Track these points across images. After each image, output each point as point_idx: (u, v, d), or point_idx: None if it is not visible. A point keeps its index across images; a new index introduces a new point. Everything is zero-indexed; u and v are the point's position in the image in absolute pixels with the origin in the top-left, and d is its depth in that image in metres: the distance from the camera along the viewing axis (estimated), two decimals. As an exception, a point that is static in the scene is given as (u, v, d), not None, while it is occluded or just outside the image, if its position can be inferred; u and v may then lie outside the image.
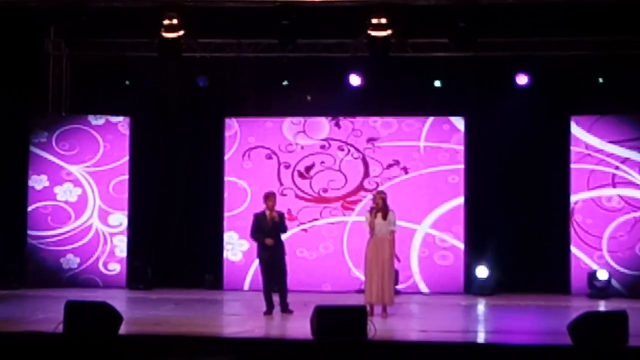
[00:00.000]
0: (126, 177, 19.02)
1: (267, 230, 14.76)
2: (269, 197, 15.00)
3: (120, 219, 19.00)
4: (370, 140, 18.72)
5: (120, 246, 18.95)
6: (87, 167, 19.01)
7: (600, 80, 18.01)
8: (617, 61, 17.75)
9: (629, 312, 10.87)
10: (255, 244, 15.13)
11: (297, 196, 18.71)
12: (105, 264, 18.91)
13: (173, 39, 16.71)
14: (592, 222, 18.03)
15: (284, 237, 15.09)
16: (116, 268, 18.89)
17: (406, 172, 18.58)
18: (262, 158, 18.88)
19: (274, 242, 14.72)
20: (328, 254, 18.60)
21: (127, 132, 19.10)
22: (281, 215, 15.04)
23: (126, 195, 19.01)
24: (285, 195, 18.43)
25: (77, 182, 19.02)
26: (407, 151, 18.63)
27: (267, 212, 14.87)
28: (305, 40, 17.93)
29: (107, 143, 19.06)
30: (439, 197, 18.45)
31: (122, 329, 11.08)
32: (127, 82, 18.96)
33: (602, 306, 16.26)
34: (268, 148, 18.92)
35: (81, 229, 18.94)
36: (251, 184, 18.75)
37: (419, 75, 18.49)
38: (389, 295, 14.28)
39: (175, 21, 16.51)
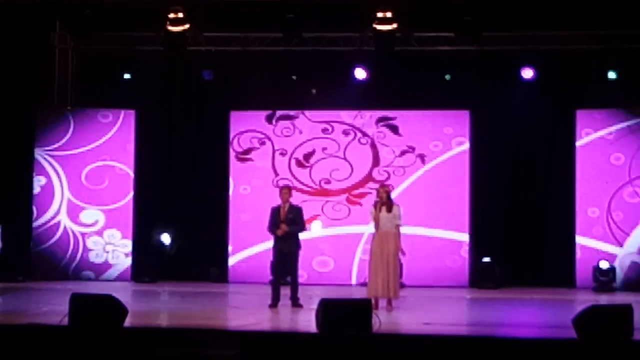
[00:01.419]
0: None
1: (279, 224, 14.74)
2: (282, 190, 14.98)
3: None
4: (381, 120, 18.60)
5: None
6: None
7: (614, 75, 17.92)
8: (623, 55, 17.73)
9: (634, 305, 10.87)
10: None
11: (294, 188, 17.47)
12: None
13: (178, 32, 16.74)
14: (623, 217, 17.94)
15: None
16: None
17: (423, 161, 18.48)
18: (254, 144, 18.74)
19: (287, 234, 14.68)
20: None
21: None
22: (297, 210, 14.91)
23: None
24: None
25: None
26: (423, 138, 18.52)
27: (282, 205, 14.87)
28: (311, 34, 17.95)
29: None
30: (446, 189, 18.43)
31: (128, 322, 11.09)
32: (125, 76, 18.93)
33: (607, 300, 16.23)
34: (260, 132, 18.79)
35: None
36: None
37: (425, 69, 18.46)
38: (394, 289, 14.29)
39: (180, 15, 16.52)
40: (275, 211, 14.87)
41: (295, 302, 14.60)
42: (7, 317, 12.57)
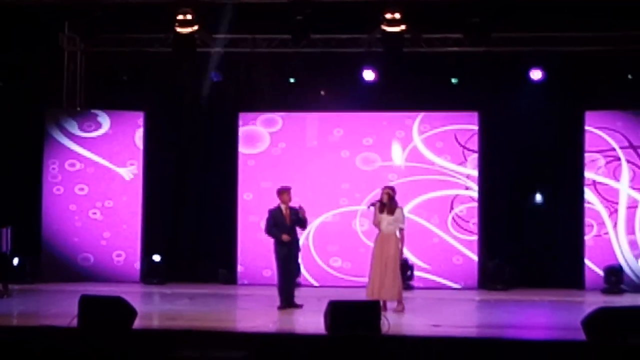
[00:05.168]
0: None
1: (285, 226, 14.71)
2: (284, 192, 14.89)
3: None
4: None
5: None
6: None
7: (623, 76, 17.91)
8: (632, 56, 17.69)
9: (643, 307, 10.88)
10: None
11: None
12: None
13: (187, 34, 16.74)
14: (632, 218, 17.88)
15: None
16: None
17: (431, 162, 18.39)
18: (263, 145, 18.79)
19: (291, 238, 14.68)
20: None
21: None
22: (296, 211, 14.81)
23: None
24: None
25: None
26: (431, 139, 18.48)
27: (283, 207, 14.80)
28: (319, 36, 17.96)
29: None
30: (454, 190, 18.39)
31: (137, 324, 11.11)
32: (134, 78, 18.95)
33: (616, 301, 16.19)
34: (270, 132, 18.76)
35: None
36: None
37: (433, 70, 18.44)
38: (390, 292, 14.14)
39: (189, 16, 16.53)
40: (276, 213, 14.78)
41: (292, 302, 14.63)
42: (16, 319, 12.60)
